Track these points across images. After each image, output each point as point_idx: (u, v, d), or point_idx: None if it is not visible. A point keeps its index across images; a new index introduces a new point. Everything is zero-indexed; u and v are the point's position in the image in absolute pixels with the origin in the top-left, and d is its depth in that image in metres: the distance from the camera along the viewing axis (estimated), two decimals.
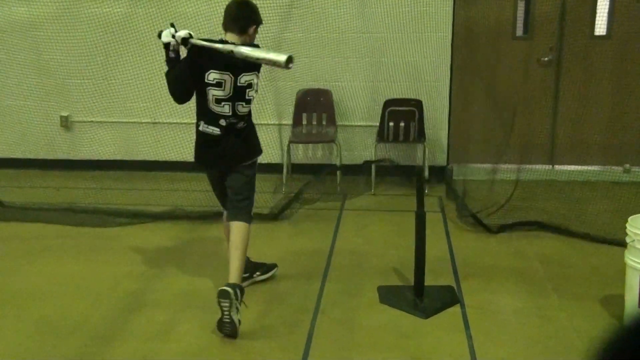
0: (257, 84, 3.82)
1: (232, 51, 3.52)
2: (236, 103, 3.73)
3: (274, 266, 4.32)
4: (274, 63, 3.50)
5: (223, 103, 3.70)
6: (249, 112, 3.87)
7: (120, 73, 6.63)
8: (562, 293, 4.07)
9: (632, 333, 0.93)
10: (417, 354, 3.47)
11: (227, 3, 3.78)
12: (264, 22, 3.87)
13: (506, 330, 3.70)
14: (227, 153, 3.83)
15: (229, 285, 3.56)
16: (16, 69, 6.69)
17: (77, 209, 5.55)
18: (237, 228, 3.81)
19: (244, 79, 3.71)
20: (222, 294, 3.52)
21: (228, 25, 3.72)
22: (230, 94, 3.69)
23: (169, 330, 3.67)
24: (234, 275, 3.66)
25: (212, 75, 3.65)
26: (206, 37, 3.80)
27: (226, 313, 3.51)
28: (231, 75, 3.67)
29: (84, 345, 3.53)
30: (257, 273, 4.21)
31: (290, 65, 3.44)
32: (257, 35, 3.83)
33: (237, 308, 3.54)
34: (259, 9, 3.83)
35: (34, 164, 6.82)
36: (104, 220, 5.35)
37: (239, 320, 3.55)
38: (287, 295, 4.07)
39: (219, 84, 3.66)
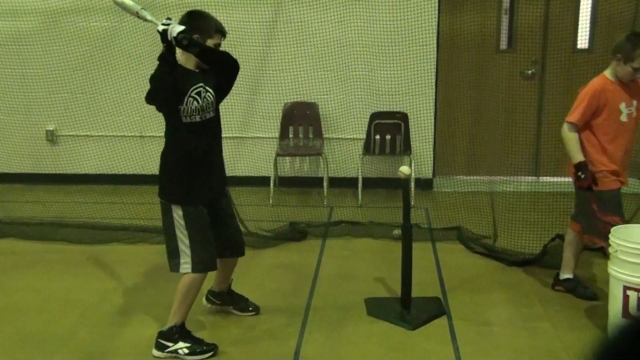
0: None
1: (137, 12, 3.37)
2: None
3: (256, 308, 4.02)
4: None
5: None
6: (167, 137, 3.55)
7: (107, 87, 6.63)
8: (547, 304, 4.11)
9: (617, 343, 0.96)
10: None
11: (215, 16, 3.72)
12: (227, 33, 3.51)
13: (493, 341, 3.72)
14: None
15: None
16: (1, 83, 6.67)
17: (63, 224, 5.53)
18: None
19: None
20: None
21: None
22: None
23: None
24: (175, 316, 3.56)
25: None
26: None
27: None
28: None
29: None
30: (231, 307, 4.01)
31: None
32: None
33: (181, 351, 3.50)
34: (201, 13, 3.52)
35: (19, 179, 6.79)
36: (91, 235, 5.33)
37: (199, 347, 3.53)
38: (274, 309, 4.07)
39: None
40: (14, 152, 6.81)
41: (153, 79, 3.30)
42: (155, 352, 3.53)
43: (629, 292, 3.50)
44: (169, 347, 3.51)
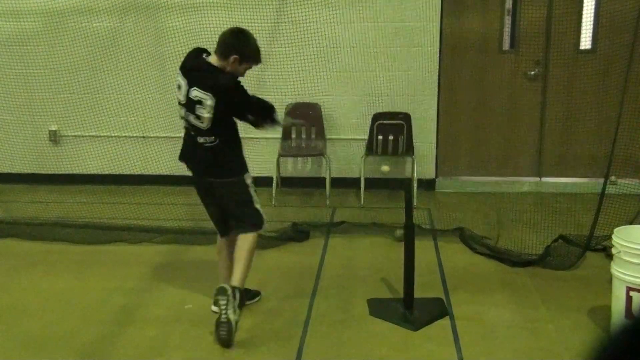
0: (210, 105, 3.62)
1: None
2: (187, 112, 3.70)
3: (257, 293, 4.21)
4: None
5: (180, 106, 3.74)
6: (222, 133, 3.75)
7: (109, 87, 6.63)
8: (550, 305, 4.10)
9: (618, 342, 0.95)
10: None
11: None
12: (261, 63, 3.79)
13: (495, 342, 3.72)
14: (195, 164, 3.89)
15: (227, 285, 3.61)
16: (4, 84, 6.67)
17: (66, 224, 5.53)
18: (241, 238, 3.86)
19: (194, 93, 3.65)
20: (220, 291, 3.57)
21: (217, 46, 3.71)
22: (184, 102, 3.71)
23: (159, 346, 3.66)
24: (235, 278, 3.70)
25: (178, 77, 3.72)
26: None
27: (223, 310, 3.54)
28: (186, 83, 3.69)
29: None
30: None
31: None
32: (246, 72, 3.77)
33: (234, 309, 3.56)
34: (251, 37, 3.74)
35: (22, 179, 6.80)
36: (93, 235, 5.33)
37: (236, 325, 3.56)
38: (278, 309, 4.07)
39: (179, 86, 3.72)
40: (17, 152, 6.82)
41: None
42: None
43: (632, 293, 3.49)
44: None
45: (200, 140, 3.74)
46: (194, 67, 3.70)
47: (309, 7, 6.19)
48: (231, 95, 3.68)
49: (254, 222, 3.88)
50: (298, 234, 5.33)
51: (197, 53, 3.75)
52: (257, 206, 3.90)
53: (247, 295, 4.09)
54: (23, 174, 6.83)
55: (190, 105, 3.68)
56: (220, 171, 3.83)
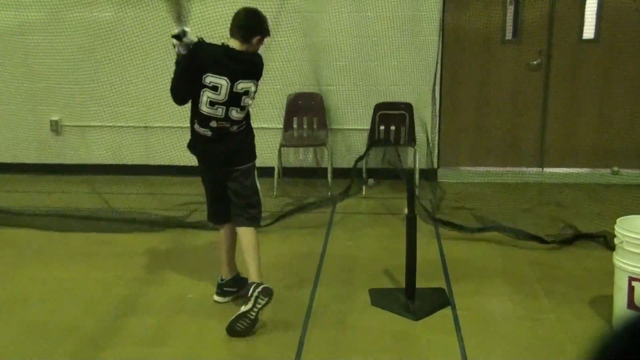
0: (254, 91, 3.76)
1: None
2: (230, 108, 3.69)
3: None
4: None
5: (217, 106, 3.66)
6: (246, 117, 3.83)
7: (111, 77, 6.62)
8: (551, 295, 4.10)
9: (623, 336, 0.95)
10: (408, 356, 3.49)
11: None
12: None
13: (497, 332, 3.72)
14: (219, 155, 3.82)
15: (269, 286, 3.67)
16: (6, 74, 6.66)
17: (68, 214, 5.54)
18: (243, 234, 3.85)
19: (240, 85, 3.66)
20: (267, 292, 3.61)
21: (233, 31, 3.68)
22: (226, 99, 3.65)
23: (160, 335, 3.67)
24: (254, 275, 3.72)
25: (209, 79, 3.61)
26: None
27: (257, 309, 3.58)
28: (228, 80, 3.63)
29: (76, 350, 3.53)
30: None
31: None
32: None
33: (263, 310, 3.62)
34: (261, 13, 3.78)
35: (24, 169, 6.80)
36: (95, 225, 5.34)
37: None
38: (280, 299, 4.07)
39: (214, 88, 3.62)
40: (18, 142, 6.82)
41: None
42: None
43: (634, 283, 3.49)
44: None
45: (234, 129, 3.76)
46: (233, 61, 3.64)
47: None
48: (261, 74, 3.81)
49: (254, 214, 3.88)
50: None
51: (223, 48, 3.66)
52: (260, 196, 3.93)
53: (240, 284, 4.09)
54: (25, 164, 6.83)
55: (234, 99, 3.67)
56: (243, 157, 3.87)
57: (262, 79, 3.84)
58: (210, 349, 3.55)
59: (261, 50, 3.84)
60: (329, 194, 6.11)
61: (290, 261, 4.69)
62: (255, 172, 3.92)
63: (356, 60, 6.37)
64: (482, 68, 6.43)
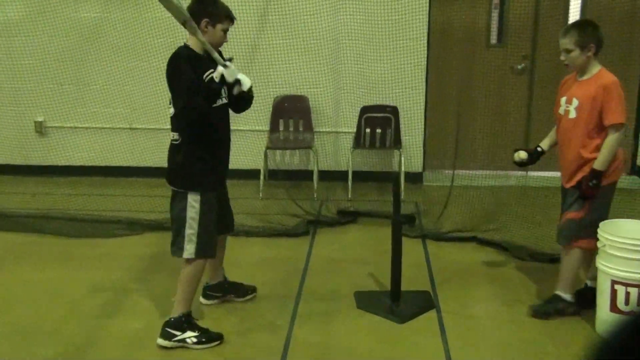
0: (170, 97, 3.40)
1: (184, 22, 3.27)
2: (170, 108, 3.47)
3: (253, 289, 4.15)
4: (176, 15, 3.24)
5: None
6: (184, 130, 3.43)
7: (96, 78, 6.59)
8: (535, 298, 4.12)
9: (616, 341, 0.95)
10: (393, 358, 3.50)
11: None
12: (235, 19, 3.53)
13: (482, 335, 3.74)
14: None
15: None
16: None
17: (52, 216, 5.50)
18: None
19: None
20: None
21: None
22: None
23: (144, 337, 3.65)
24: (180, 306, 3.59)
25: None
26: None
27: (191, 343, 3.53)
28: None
29: (59, 353, 3.50)
30: (233, 296, 4.06)
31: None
32: (227, 37, 3.49)
33: (189, 340, 3.52)
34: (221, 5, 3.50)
35: (8, 170, 6.75)
36: (80, 227, 5.30)
37: (203, 336, 3.56)
38: (265, 302, 4.08)
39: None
40: (2, 143, 6.77)
41: (197, 108, 3.29)
42: (162, 342, 3.52)
43: (616, 287, 3.52)
44: (176, 335, 3.52)
45: (173, 136, 3.50)
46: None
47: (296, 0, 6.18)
48: None
49: (181, 244, 3.54)
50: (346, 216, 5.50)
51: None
52: (195, 230, 3.52)
53: (239, 292, 4.08)
54: (8, 165, 6.78)
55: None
56: (171, 176, 3.59)
57: (175, 83, 3.32)
58: (194, 352, 3.53)
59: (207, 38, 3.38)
60: (315, 196, 6.11)
61: (275, 263, 4.68)
62: (191, 204, 3.46)
63: (342, 62, 6.38)
64: (467, 72, 6.47)
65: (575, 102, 3.68)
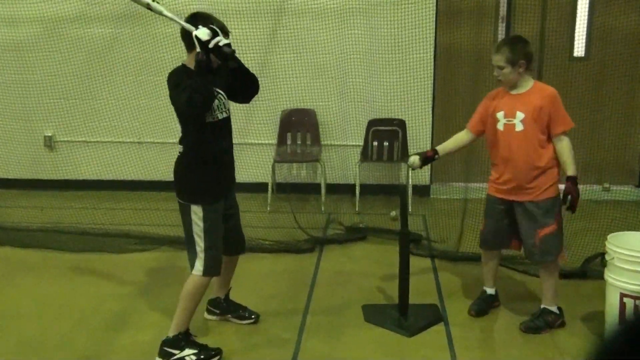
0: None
1: (148, 4, 3.25)
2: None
3: (256, 317, 4.00)
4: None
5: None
6: (187, 141, 3.45)
7: (105, 93, 6.65)
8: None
9: (612, 347, 0.96)
10: None
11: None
12: (230, 33, 3.42)
13: (490, 348, 3.73)
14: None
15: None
16: (0, 89, 6.68)
17: (61, 230, 5.53)
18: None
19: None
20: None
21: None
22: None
23: (153, 351, 3.65)
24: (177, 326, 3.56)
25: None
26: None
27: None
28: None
29: None
30: (229, 316, 4.00)
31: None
32: (240, 57, 3.45)
33: (188, 358, 3.50)
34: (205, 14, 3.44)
35: (17, 184, 6.80)
36: (88, 241, 5.33)
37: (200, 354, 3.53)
38: (273, 314, 4.08)
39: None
40: (12, 157, 6.82)
41: (197, 90, 3.11)
42: None
43: (625, 300, 3.51)
44: (175, 354, 3.49)
45: (179, 149, 3.54)
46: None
47: (305, 16, 6.23)
48: None
49: (192, 263, 3.53)
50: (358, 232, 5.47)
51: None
52: (202, 246, 3.51)
53: (237, 313, 4.01)
54: (18, 180, 6.83)
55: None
56: (176, 187, 3.56)
57: (175, 93, 3.25)
58: None
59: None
60: (322, 210, 6.12)
61: (283, 276, 4.69)
62: (194, 220, 3.44)
63: (350, 77, 6.41)
64: (474, 86, 6.48)
65: (520, 115, 3.71)
